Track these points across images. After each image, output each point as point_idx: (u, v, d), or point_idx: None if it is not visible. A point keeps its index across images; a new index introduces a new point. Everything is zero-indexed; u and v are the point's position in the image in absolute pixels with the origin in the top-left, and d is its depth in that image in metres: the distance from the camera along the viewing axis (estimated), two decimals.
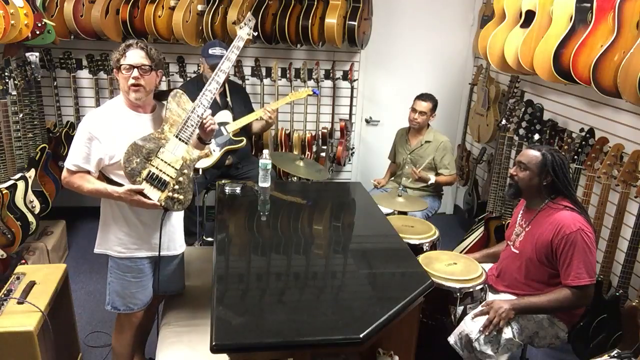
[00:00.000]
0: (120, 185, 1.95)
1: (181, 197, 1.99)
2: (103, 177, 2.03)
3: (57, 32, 3.35)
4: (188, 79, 3.80)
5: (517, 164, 2.23)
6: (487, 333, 2.05)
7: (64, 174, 2.00)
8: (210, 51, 3.18)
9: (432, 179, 3.47)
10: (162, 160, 1.96)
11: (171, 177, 1.97)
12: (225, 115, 3.37)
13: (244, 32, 2.22)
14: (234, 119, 3.37)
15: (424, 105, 3.43)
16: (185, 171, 2.01)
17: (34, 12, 2.95)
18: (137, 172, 1.90)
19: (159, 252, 2.09)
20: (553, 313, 2.16)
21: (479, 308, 2.14)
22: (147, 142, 1.93)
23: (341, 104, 4.21)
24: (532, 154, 2.17)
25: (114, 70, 2.00)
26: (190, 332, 2.14)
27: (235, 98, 3.45)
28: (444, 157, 3.50)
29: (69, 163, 1.97)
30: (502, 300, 2.13)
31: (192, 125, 2.02)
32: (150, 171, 1.92)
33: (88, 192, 1.96)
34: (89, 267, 3.44)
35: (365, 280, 1.93)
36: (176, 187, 1.98)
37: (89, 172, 1.97)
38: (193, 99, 2.06)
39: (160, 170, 1.95)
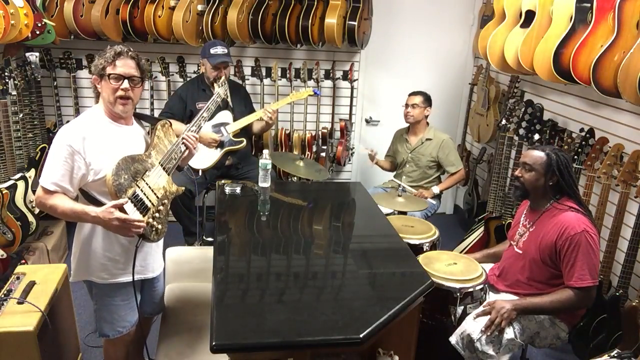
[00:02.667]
0: (102, 205, 1.75)
1: (160, 226, 1.87)
2: (84, 196, 1.85)
3: (57, 32, 3.35)
4: (188, 79, 3.80)
5: (521, 165, 2.22)
6: (488, 333, 2.04)
7: (39, 193, 1.78)
8: (212, 51, 3.17)
9: (437, 189, 3.50)
10: (146, 183, 1.83)
11: (153, 203, 1.85)
12: (225, 115, 3.37)
13: (222, 90, 2.36)
14: (234, 119, 3.37)
15: (415, 99, 3.47)
16: (165, 202, 1.92)
17: (34, 12, 2.95)
18: (124, 189, 1.73)
19: (133, 277, 1.93)
20: (555, 314, 2.16)
21: (481, 308, 2.14)
22: (135, 162, 1.81)
23: (341, 104, 4.21)
24: (537, 155, 2.17)
25: (95, 77, 1.85)
26: (191, 332, 2.14)
27: (236, 98, 3.45)
28: (449, 154, 3.51)
29: (47, 182, 1.76)
30: (504, 300, 2.13)
31: (175, 159, 1.98)
32: (135, 191, 1.77)
33: (62, 213, 1.77)
34: None
35: (365, 280, 1.93)
36: (156, 214, 1.85)
37: (66, 193, 1.78)
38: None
39: (144, 194, 1.81)
